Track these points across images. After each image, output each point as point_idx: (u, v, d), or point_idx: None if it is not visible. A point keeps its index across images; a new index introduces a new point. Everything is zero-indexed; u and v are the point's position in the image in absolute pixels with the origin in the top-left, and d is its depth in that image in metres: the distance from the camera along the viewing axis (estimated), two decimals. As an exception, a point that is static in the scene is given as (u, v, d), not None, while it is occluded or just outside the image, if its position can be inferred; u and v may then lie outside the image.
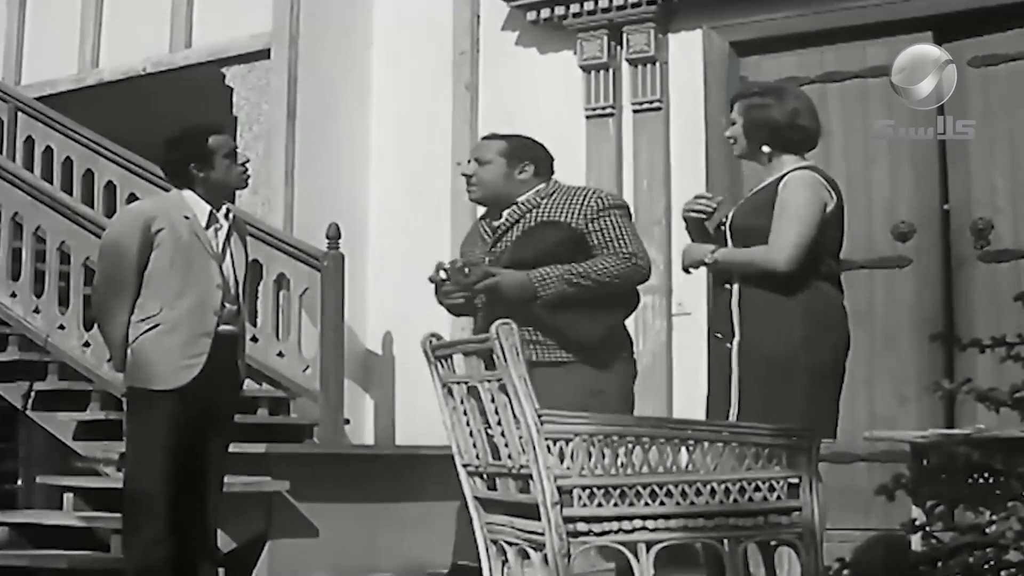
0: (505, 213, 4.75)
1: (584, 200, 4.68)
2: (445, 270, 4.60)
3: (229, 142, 4.97)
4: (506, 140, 4.86)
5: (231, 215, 4.96)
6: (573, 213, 4.66)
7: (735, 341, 4.18)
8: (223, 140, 4.93)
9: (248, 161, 5.05)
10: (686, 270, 4.47)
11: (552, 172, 4.89)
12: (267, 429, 6.91)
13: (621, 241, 4.63)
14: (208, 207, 4.87)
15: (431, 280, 4.63)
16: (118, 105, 8.62)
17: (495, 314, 4.46)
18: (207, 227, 4.86)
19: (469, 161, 4.89)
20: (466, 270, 4.56)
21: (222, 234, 4.91)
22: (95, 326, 6.90)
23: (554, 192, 4.74)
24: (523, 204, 4.72)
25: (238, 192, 7.91)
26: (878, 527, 5.83)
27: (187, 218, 4.82)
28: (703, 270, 4.57)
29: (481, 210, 5.00)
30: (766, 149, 4.33)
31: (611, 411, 4.52)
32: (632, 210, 7.09)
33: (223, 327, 4.83)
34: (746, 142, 4.38)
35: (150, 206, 5.07)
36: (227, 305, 4.85)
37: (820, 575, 3.45)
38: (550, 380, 4.17)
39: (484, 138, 4.99)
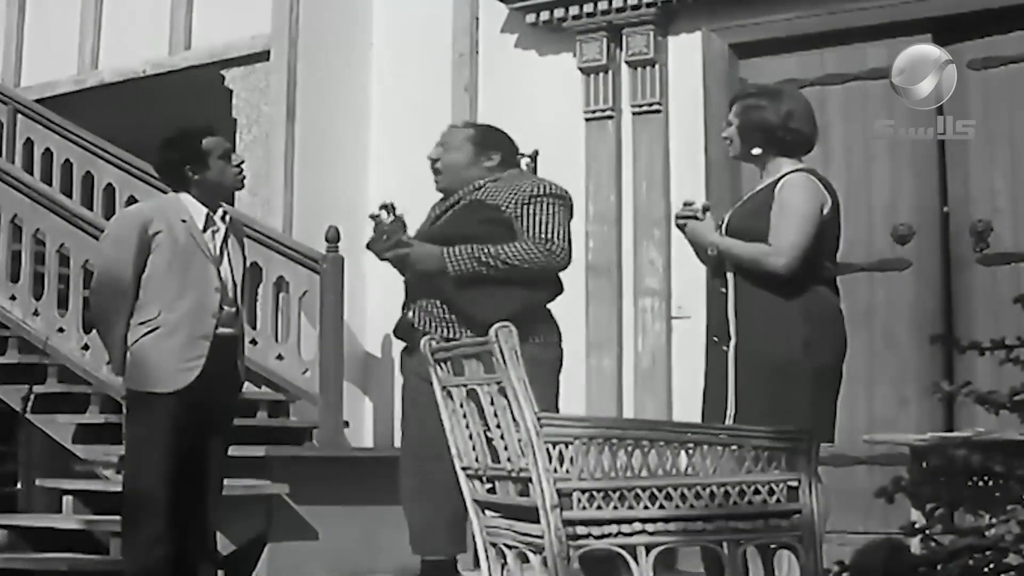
0: (455, 195, 4.82)
1: (522, 186, 4.73)
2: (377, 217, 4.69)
3: (223, 143, 4.97)
4: (474, 128, 4.98)
5: (228, 217, 4.96)
6: (508, 197, 4.70)
7: (731, 344, 4.18)
8: (217, 141, 4.93)
9: (243, 162, 5.05)
10: (692, 245, 4.44)
11: (517, 164, 4.96)
12: (266, 432, 6.91)
13: (543, 227, 4.64)
14: (205, 209, 4.88)
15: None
16: (118, 107, 8.63)
17: (413, 285, 4.68)
18: (204, 230, 4.86)
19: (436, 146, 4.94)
20: (384, 236, 4.64)
21: (219, 237, 4.91)
22: (94, 329, 6.92)
23: (500, 178, 4.79)
24: (471, 186, 4.78)
25: (237, 194, 7.93)
26: (877, 530, 5.83)
27: (184, 221, 4.83)
28: (703, 272, 4.57)
29: None
30: (757, 151, 4.34)
31: None
32: (633, 211, 7.16)
33: (222, 329, 4.83)
34: (740, 143, 4.39)
35: (147, 209, 5.07)
36: (225, 307, 4.85)
37: (819, 578, 3.45)
38: None
39: (452, 127, 5.07)
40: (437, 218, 4.83)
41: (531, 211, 4.66)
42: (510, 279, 4.61)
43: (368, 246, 4.70)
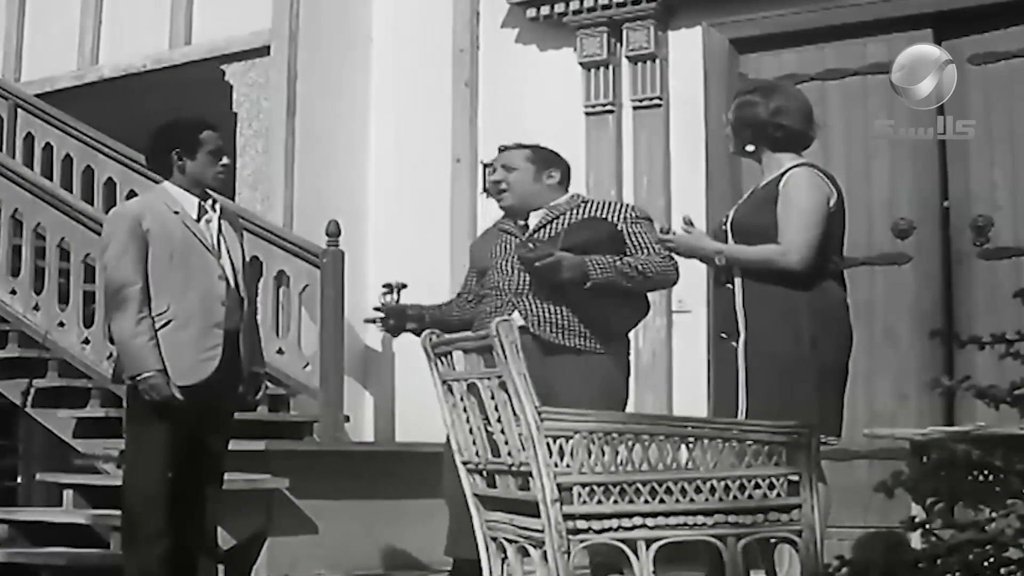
0: (537, 215, 4.92)
1: (619, 207, 4.96)
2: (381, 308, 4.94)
3: (218, 140, 4.95)
4: (530, 148, 5.05)
5: (217, 205, 4.95)
6: (612, 216, 4.87)
7: (740, 340, 4.18)
8: (212, 137, 4.92)
9: (227, 165, 5.00)
10: (691, 258, 4.47)
11: (570, 180, 5.08)
12: (267, 426, 6.90)
13: (657, 246, 4.76)
14: (196, 199, 4.87)
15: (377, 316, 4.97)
16: (118, 102, 8.61)
17: (541, 296, 4.74)
18: (198, 219, 4.86)
19: (495, 169, 5.05)
20: (530, 244, 4.73)
21: (214, 226, 4.90)
22: (95, 323, 6.92)
23: (585, 202, 4.95)
24: (556, 208, 4.91)
25: (237, 188, 7.95)
26: (877, 524, 5.84)
27: (176, 212, 4.81)
28: (704, 266, 4.57)
29: (490, 211, 5.06)
30: (750, 147, 4.36)
31: (620, 401, 4.77)
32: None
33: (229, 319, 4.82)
34: (734, 139, 4.41)
35: (134, 204, 5.08)
36: (231, 296, 4.84)
37: (820, 572, 3.44)
38: (570, 366, 4.60)
39: (506, 148, 5.11)
40: (535, 231, 4.88)
41: (638, 229, 4.85)
42: (636, 293, 4.81)
43: (519, 255, 4.75)
